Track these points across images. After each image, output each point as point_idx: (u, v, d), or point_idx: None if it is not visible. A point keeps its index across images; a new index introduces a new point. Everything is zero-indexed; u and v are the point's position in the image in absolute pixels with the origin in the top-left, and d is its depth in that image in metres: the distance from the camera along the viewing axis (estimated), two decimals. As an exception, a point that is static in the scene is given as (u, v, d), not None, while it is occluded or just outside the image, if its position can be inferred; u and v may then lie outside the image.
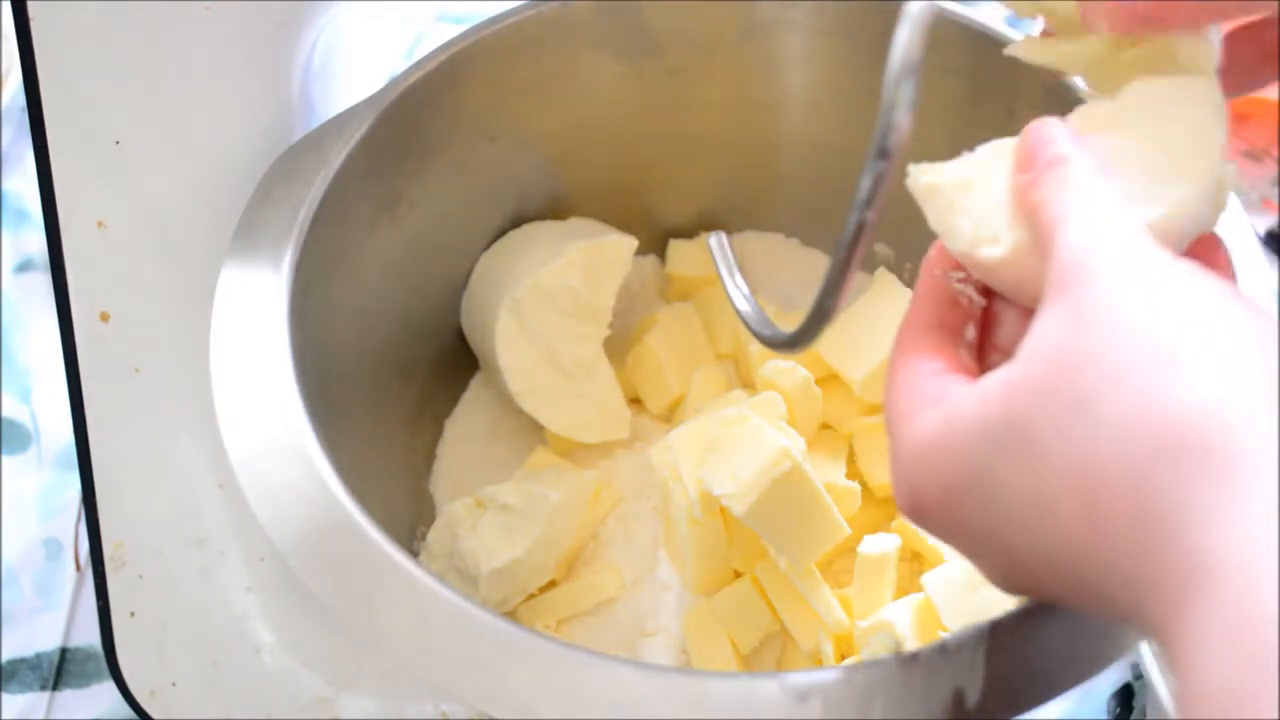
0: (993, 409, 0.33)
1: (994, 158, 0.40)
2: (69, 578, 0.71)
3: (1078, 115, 0.40)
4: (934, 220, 0.40)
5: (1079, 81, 0.46)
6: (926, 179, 0.40)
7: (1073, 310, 0.32)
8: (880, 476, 0.60)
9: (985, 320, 0.41)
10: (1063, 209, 0.35)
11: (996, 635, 0.40)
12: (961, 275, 0.40)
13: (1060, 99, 0.50)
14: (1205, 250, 0.38)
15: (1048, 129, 0.38)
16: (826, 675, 0.39)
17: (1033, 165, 0.37)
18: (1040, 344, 0.33)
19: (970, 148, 0.41)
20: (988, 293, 0.40)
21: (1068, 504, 0.31)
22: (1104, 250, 0.33)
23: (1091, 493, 0.30)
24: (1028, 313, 0.38)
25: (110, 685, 0.63)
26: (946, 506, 0.34)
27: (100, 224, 0.56)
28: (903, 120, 0.35)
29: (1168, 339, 0.30)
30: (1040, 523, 0.32)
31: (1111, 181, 0.36)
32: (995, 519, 0.33)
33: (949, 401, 0.35)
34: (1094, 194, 0.35)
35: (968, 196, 0.39)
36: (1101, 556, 0.30)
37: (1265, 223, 0.82)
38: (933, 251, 0.41)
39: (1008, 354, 0.39)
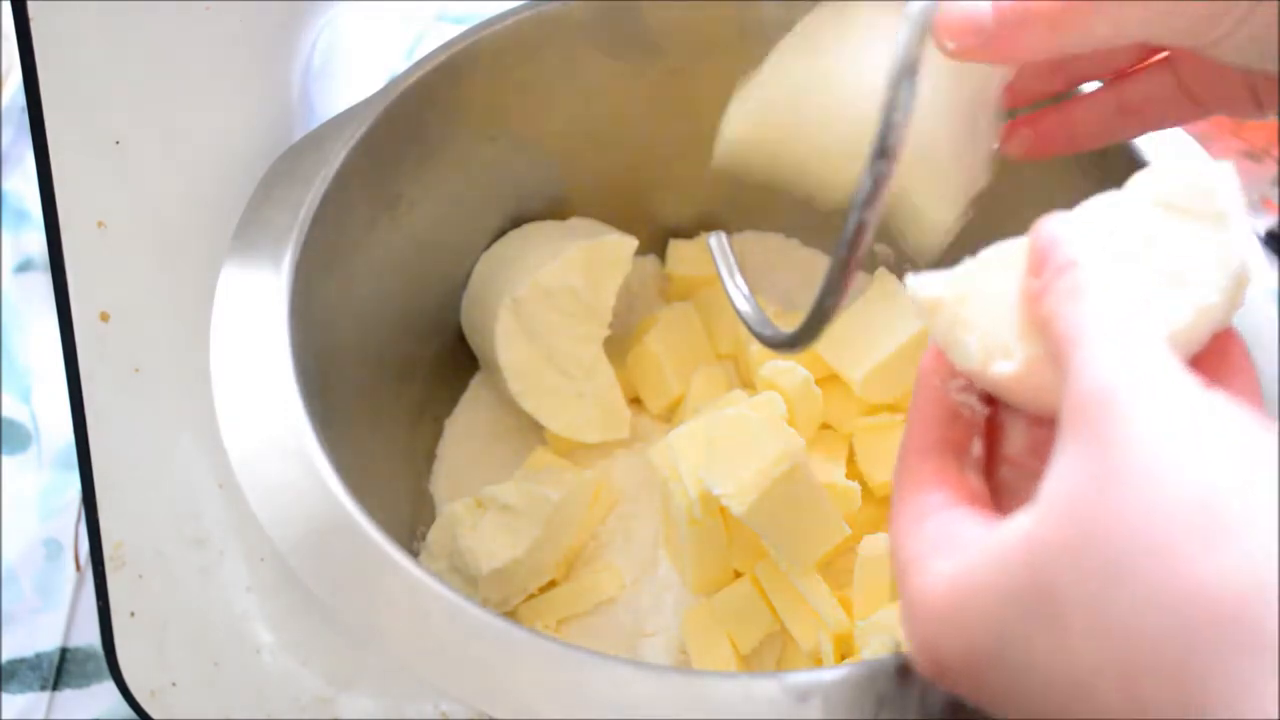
0: (1014, 570, 0.30)
1: (999, 261, 0.37)
2: (69, 578, 0.71)
3: (1088, 209, 0.37)
4: (939, 336, 0.37)
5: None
6: (927, 293, 0.37)
7: (1096, 457, 0.30)
8: (880, 476, 0.60)
9: (990, 429, 0.38)
10: (1078, 323, 0.32)
11: (996, 635, 0.40)
12: (963, 384, 0.37)
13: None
14: (1220, 345, 0.36)
15: (1057, 228, 0.35)
16: (826, 675, 0.39)
17: (1043, 270, 0.35)
18: (1061, 490, 0.30)
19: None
20: (991, 399, 0.38)
21: (1104, 680, 0.29)
22: (1126, 384, 0.30)
23: (1129, 668, 0.28)
24: (1039, 421, 0.36)
25: (110, 685, 0.63)
26: (971, 671, 0.32)
27: (100, 224, 0.56)
28: (903, 120, 0.35)
29: (1205, 502, 0.28)
30: (1075, 698, 0.29)
31: (1128, 286, 0.34)
32: (1025, 690, 0.31)
33: (962, 550, 0.33)
34: (1110, 306, 0.32)
35: (973, 309, 0.36)
36: None
37: (1265, 223, 0.82)
38: (927, 359, 0.38)
39: (1018, 466, 0.37)
